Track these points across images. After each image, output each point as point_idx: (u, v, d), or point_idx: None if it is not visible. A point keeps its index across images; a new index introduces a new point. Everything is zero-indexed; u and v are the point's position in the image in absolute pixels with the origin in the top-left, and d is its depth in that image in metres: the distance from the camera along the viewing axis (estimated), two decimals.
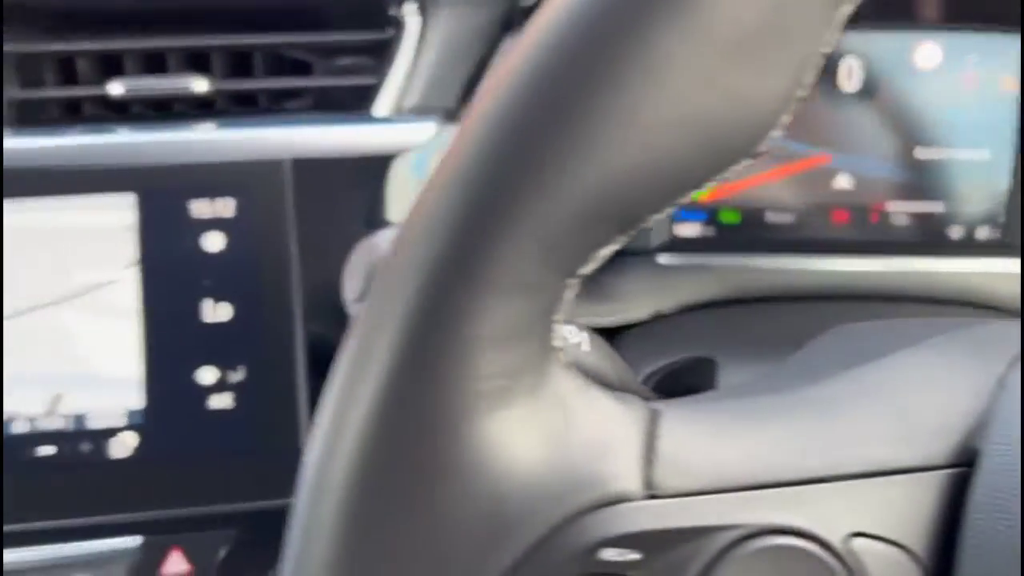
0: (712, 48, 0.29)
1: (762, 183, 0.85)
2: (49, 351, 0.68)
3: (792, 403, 0.37)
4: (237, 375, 0.70)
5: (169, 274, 0.70)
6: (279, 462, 0.69)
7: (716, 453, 0.34)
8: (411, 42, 0.77)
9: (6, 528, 0.66)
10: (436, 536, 0.32)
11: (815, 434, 0.35)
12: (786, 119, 0.32)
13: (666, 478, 0.34)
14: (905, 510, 0.35)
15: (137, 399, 0.69)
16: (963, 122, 0.84)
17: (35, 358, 0.68)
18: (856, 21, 0.40)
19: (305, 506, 0.35)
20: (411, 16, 0.78)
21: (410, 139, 0.75)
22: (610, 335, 0.87)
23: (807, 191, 0.85)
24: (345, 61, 0.85)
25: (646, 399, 0.38)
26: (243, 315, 0.70)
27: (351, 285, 0.56)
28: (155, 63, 0.81)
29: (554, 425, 0.34)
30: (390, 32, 0.79)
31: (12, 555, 0.66)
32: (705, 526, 0.34)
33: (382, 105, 0.78)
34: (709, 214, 0.86)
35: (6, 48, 0.75)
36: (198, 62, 0.81)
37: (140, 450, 0.68)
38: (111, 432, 0.68)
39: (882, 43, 0.82)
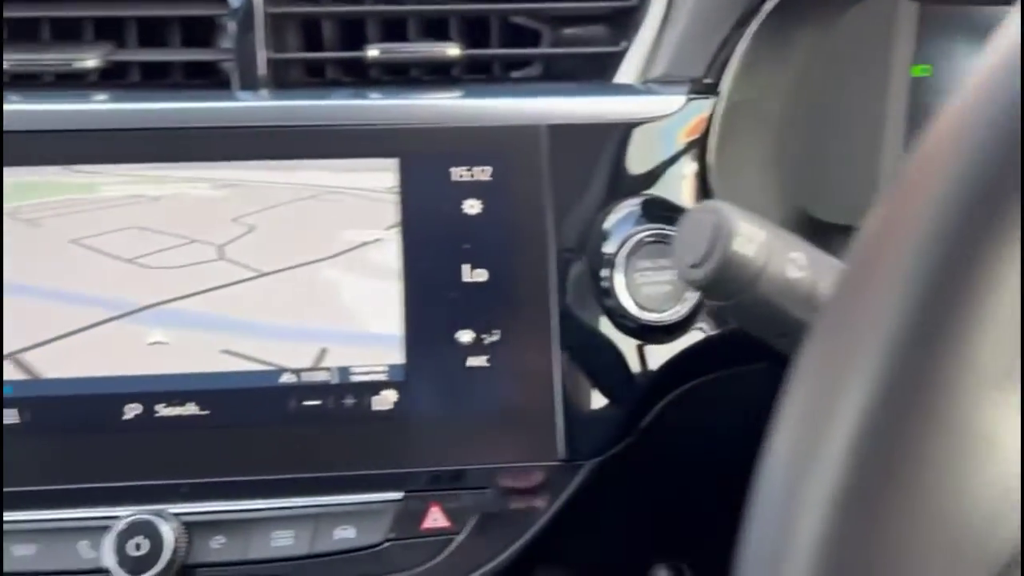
0: None
1: None
2: (315, 306, 0.71)
3: None
4: (492, 337, 0.71)
5: (429, 236, 0.72)
6: (531, 424, 0.71)
7: None
8: (659, 10, 0.77)
9: (273, 476, 0.69)
10: (944, 522, 0.31)
11: None
12: None
13: None
14: None
15: (398, 356, 0.71)
16: None
17: (302, 313, 0.70)
18: None
19: (784, 484, 0.34)
20: None
21: (660, 109, 0.75)
22: None
23: None
24: (573, 30, 0.86)
25: None
26: (499, 278, 0.71)
27: (687, 251, 0.56)
28: (396, 29, 0.83)
29: None
30: (634, 0, 0.79)
31: (278, 503, 0.69)
32: None
33: (625, 74, 0.78)
34: None
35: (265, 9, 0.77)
36: (435, 29, 0.83)
37: (399, 406, 0.70)
38: (373, 387, 0.70)
39: None
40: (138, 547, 0.65)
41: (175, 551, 0.65)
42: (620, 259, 0.71)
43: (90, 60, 0.75)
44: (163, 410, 0.69)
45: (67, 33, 0.82)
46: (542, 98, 0.74)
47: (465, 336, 0.71)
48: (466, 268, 0.71)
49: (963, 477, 0.31)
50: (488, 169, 0.72)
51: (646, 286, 0.72)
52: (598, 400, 0.72)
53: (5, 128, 0.71)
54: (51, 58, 0.75)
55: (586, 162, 0.74)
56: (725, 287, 0.56)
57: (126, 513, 0.66)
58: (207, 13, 0.78)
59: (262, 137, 0.72)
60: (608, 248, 0.72)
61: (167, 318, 0.69)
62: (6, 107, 0.73)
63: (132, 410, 0.68)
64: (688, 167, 0.76)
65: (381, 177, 0.72)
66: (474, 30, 0.84)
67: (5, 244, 0.69)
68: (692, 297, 0.72)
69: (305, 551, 0.68)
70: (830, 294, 0.35)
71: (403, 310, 0.71)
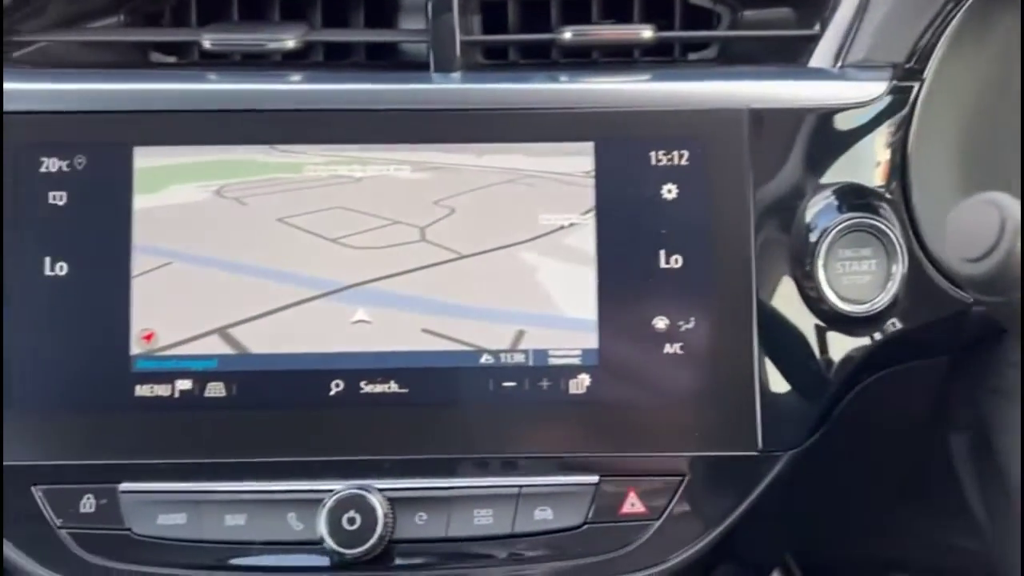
0: None
1: None
2: (512, 289, 0.71)
3: None
4: (688, 324, 0.71)
5: (625, 221, 0.71)
6: (729, 413, 0.70)
7: None
8: None
9: (471, 455, 0.70)
10: None
11: None
12: None
13: None
14: None
15: (592, 341, 0.71)
16: None
17: (499, 295, 0.71)
18: None
19: None
20: None
21: (862, 94, 0.73)
22: None
23: None
24: (754, 13, 0.84)
25: None
26: (696, 264, 0.71)
27: (964, 244, 0.55)
28: (579, 11, 0.83)
29: None
30: None
31: (477, 482, 0.70)
32: None
33: (820, 58, 0.76)
34: None
35: None
36: (618, 11, 0.82)
37: (593, 390, 0.70)
38: (568, 371, 0.71)
39: None
40: (351, 521, 0.67)
41: (384, 526, 0.67)
42: (821, 249, 0.70)
43: (289, 40, 0.76)
44: (366, 387, 0.70)
45: (255, 14, 0.84)
46: (743, 82, 0.73)
47: (660, 323, 0.71)
48: (663, 254, 0.71)
49: None
50: (686, 153, 0.72)
51: (846, 276, 0.71)
52: (795, 390, 0.71)
53: (211, 107, 0.73)
54: (249, 38, 0.77)
55: (785, 147, 0.73)
56: (1006, 284, 0.54)
57: (338, 487, 0.68)
58: None
59: (462, 119, 0.73)
60: (809, 237, 0.71)
61: (370, 297, 0.71)
62: (208, 86, 0.75)
63: (337, 386, 0.70)
64: (888, 155, 0.74)
65: (577, 161, 0.72)
66: (653, 12, 0.83)
67: (213, 219, 0.71)
68: (892, 288, 0.71)
69: (507, 530, 0.69)
70: None
71: (597, 295, 0.71)
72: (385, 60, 0.84)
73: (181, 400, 0.70)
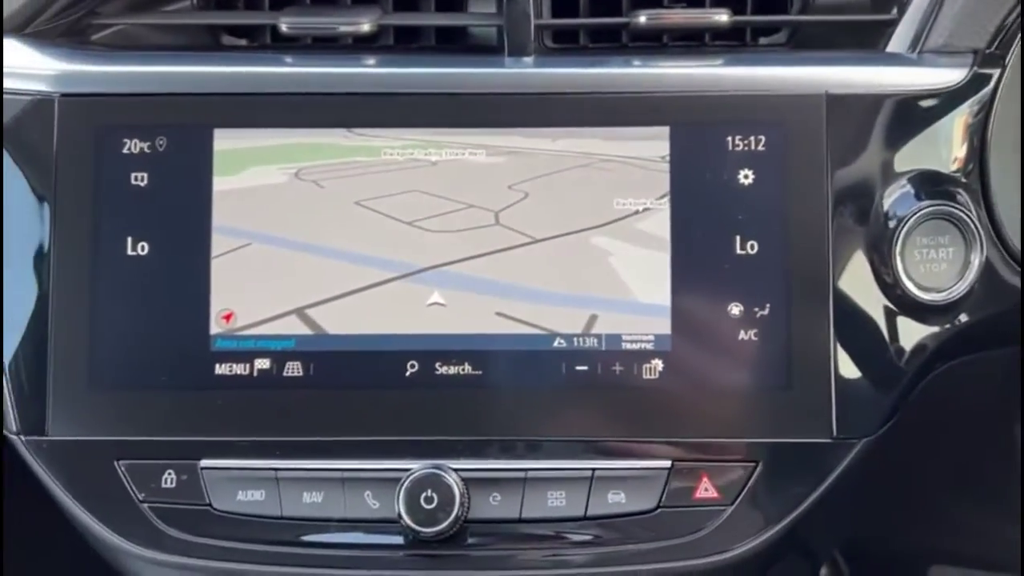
0: None
1: None
2: (585, 274, 0.71)
3: None
4: (763, 311, 0.71)
5: (701, 207, 0.71)
6: (803, 400, 0.70)
7: None
8: None
9: (543, 438, 0.71)
10: None
11: None
12: None
13: None
14: None
15: (665, 326, 0.71)
16: None
17: (573, 279, 0.71)
18: None
19: None
20: None
21: (942, 80, 0.72)
22: None
23: None
24: None
25: None
26: (772, 251, 0.71)
27: None
28: None
29: None
30: None
31: (550, 464, 0.70)
32: None
33: (897, 43, 0.76)
34: None
35: None
36: None
37: (666, 376, 0.71)
38: (641, 356, 0.71)
39: None
40: (429, 500, 0.68)
41: (460, 505, 0.68)
42: (899, 236, 0.70)
43: (364, 24, 0.77)
44: (441, 369, 0.71)
45: None
46: (821, 67, 0.73)
47: (735, 309, 0.71)
48: (738, 240, 0.71)
49: None
50: (763, 139, 0.71)
51: (924, 264, 0.70)
52: (869, 377, 0.71)
53: (290, 90, 0.73)
54: (325, 21, 0.78)
55: (863, 133, 0.72)
56: None
57: (415, 467, 0.69)
58: None
59: (536, 103, 0.73)
60: (887, 224, 0.71)
61: (445, 280, 0.71)
62: (287, 69, 0.76)
63: (412, 367, 0.71)
64: (967, 142, 0.73)
65: (653, 146, 0.72)
66: None
67: (292, 201, 0.72)
68: (970, 276, 0.70)
69: (580, 513, 0.69)
70: None
71: (671, 280, 0.71)
72: (454, 44, 0.84)
73: (260, 379, 0.71)
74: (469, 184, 0.72)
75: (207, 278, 0.71)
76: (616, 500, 0.70)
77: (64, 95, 0.73)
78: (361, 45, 0.81)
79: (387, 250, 0.72)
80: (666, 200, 0.72)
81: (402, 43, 0.83)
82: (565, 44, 0.82)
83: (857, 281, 0.71)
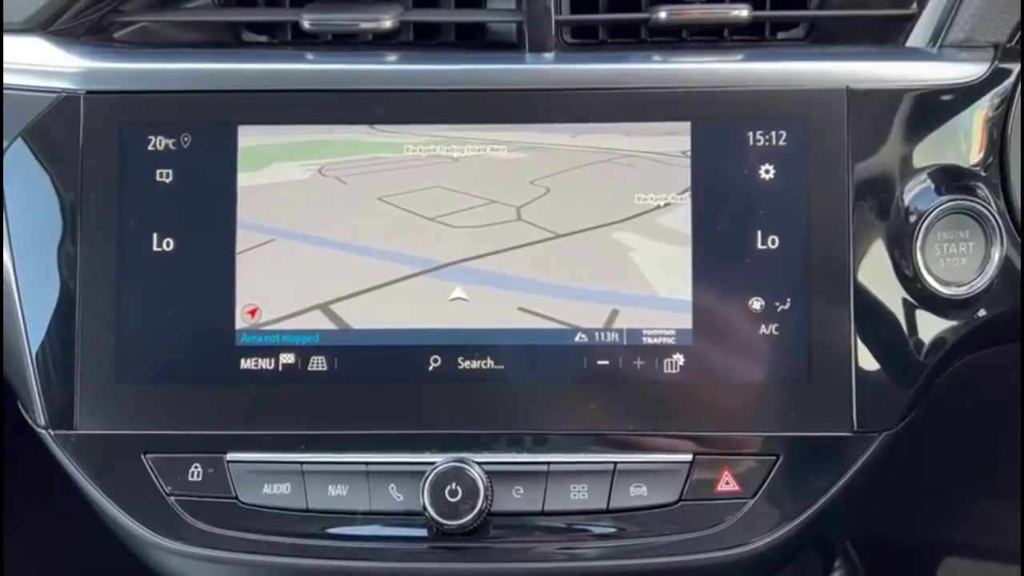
0: None
1: None
2: (607, 269, 0.72)
3: None
4: (784, 305, 0.71)
5: (722, 201, 0.72)
6: (823, 393, 0.71)
7: None
8: None
9: (565, 432, 0.71)
10: None
11: None
12: None
13: None
14: None
15: (686, 321, 0.71)
16: None
17: (594, 274, 0.72)
18: None
19: None
20: None
21: (963, 75, 0.73)
22: None
23: None
24: None
25: None
26: (793, 245, 0.71)
27: None
28: None
29: None
30: None
31: (572, 458, 0.71)
32: None
33: (917, 38, 0.76)
34: None
35: None
36: None
37: (687, 370, 0.71)
38: (662, 350, 0.71)
39: None
40: (453, 493, 0.69)
41: (484, 498, 0.68)
42: (920, 231, 0.70)
43: (386, 20, 0.77)
44: (463, 363, 0.71)
45: None
46: (841, 62, 0.73)
47: (756, 303, 0.71)
48: (759, 235, 0.71)
49: None
50: (784, 133, 0.72)
51: (944, 258, 0.71)
52: (890, 371, 0.71)
53: (314, 86, 0.74)
54: (347, 17, 0.78)
55: (884, 128, 0.72)
56: None
57: (439, 460, 0.70)
58: None
59: (558, 99, 0.73)
60: (907, 219, 0.71)
61: (467, 275, 0.72)
62: (310, 66, 0.76)
63: (435, 362, 0.72)
64: (987, 136, 0.73)
65: (674, 141, 0.72)
66: None
67: (315, 197, 0.72)
68: (990, 271, 0.71)
69: (602, 506, 0.70)
70: None
71: (692, 275, 0.72)
72: (473, 41, 0.84)
73: (285, 373, 0.72)
74: (491, 180, 0.72)
75: (232, 274, 0.72)
76: (638, 493, 0.70)
77: (89, 92, 0.74)
78: (382, 42, 0.81)
79: (410, 246, 0.72)
80: (687, 195, 0.72)
81: (422, 40, 0.84)
82: (584, 40, 0.83)
83: (877, 275, 0.72)
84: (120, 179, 0.73)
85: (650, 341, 0.72)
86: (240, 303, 0.72)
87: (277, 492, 0.71)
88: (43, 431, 0.73)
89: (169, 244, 0.73)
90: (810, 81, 0.72)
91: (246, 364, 0.72)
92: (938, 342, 0.72)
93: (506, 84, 0.74)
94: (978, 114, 0.73)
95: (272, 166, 0.73)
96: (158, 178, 0.73)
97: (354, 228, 0.72)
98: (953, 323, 0.72)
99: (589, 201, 0.72)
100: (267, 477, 0.71)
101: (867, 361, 0.71)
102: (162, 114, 0.73)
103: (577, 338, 0.72)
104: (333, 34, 0.81)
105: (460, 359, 0.72)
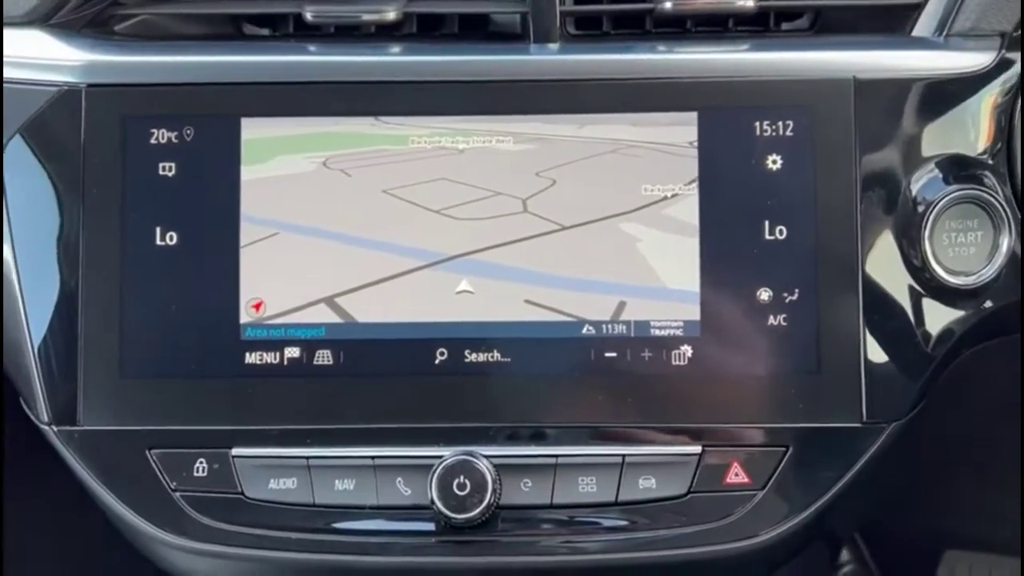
0: None
1: None
2: (614, 260, 0.71)
3: None
4: (793, 296, 0.71)
5: (729, 192, 0.71)
6: (832, 385, 0.70)
7: None
8: None
9: (573, 424, 0.71)
10: None
11: None
12: None
13: None
14: None
15: (694, 312, 0.71)
16: None
17: (601, 266, 0.71)
18: None
19: None
20: None
21: (969, 64, 0.72)
22: None
23: None
24: None
25: None
26: (801, 236, 0.71)
27: None
28: None
29: None
30: None
31: (581, 450, 0.70)
32: None
33: (923, 27, 0.75)
34: None
35: None
36: None
37: (695, 362, 0.71)
38: (670, 342, 0.71)
39: None
40: (461, 487, 0.68)
41: (493, 492, 0.68)
42: (928, 221, 0.70)
43: (390, 12, 0.76)
44: (470, 356, 0.71)
45: None
46: (847, 52, 0.73)
47: (764, 294, 0.71)
48: (766, 225, 0.71)
49: None
50: (791, 123, 0.71)
51: (952, 248, 0.70)
52: (898, 362, 0.71)
53: (318, 78, 0.73)
54: (350, 9, 0.77)
55: (891, 117, 0.72)
56: None
57: (446, 453, 0.69)
58: None
59: (563, 90, 0.73)
60: (915, 209, 0.71)
61: (474, 268, 0.71)
62: (314, 58, 0.76)
63: (441, 355, 0.71)
64: (994, 125, 0.73)
65: (681, 131, 0.72)
66: None
67: (320, 190, 0.72)
68: (999, 260, 0.70)
69: (611, 498, 0.70)
70: None
71: (700, 266, 0.71)
72: (477, 32, 0.84)
73: (290, 367, 0.71)
74: (497, 172, 0.72)
75: (236, 268, 0.72)
76: (647, 485, 0.70)
77: (91, 86, 0.73)
78: (385, 34, 0.81)
79: (415, 238, 0.72)
80: (694, 186, 0.72)
81: (425, 31, 0.83)
82: (588, 31, 0.83)
83: (886, 266, 0.71)
84: (123, 173, 0.72)
85: (658, 333, 0.71)
86: (245, 297, 0.72)
87: (283, 487, 0.71)
88: (46, 427, 0.73)
89: (172, 238, 0.72)
90: (817, 71, 0.72)
91: (251, 358, 0.71)
92: (947, 332, 0.72)
93: (511, 75, 0.73)
94: (985, 103, 0.72)
95: (276, 159, 0.72)
96: (161, 172, 0.72)
97: (359, 221, 0.72)
98: (962, 313, 0.72)
99: (595, 192, 0.72)
100: (273, 472, 0.71)
101: (876, 352, 0.71)
102: (165, 107, 0.73)
103: (584, 330, 0.72)
104: (336, 26, 0.81)
105: (467, 352, 0.71)
